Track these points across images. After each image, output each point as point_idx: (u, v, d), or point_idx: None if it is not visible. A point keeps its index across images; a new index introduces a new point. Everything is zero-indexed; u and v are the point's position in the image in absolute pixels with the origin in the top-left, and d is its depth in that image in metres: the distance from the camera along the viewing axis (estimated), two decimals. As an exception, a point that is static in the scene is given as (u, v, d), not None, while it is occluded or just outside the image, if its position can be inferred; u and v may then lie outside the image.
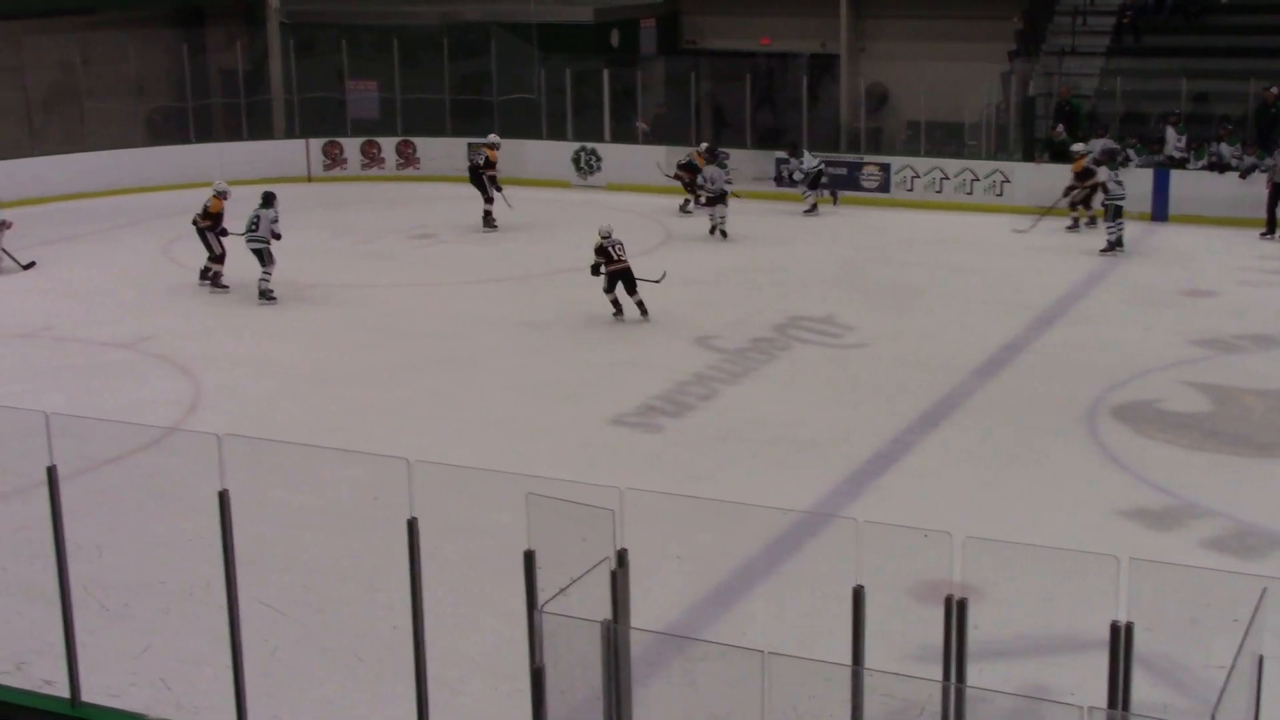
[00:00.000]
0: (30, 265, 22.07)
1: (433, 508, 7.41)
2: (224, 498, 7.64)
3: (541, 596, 6.59)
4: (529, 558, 6.67)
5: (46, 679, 9.01)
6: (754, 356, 17.43)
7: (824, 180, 26.32)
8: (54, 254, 23.25)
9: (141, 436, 13.28)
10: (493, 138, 25.95)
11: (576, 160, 28.86)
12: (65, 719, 8.35)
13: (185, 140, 29.58)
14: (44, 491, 8.14)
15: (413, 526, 7.22)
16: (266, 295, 20.12)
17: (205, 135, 30.42)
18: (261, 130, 31.12)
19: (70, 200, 26.72)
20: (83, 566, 9.16)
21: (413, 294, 20.78)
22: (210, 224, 20.71)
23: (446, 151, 29.58)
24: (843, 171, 26.97)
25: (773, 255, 23.12)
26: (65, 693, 8.42)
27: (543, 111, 29.72)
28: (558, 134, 29.47)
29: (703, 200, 24.66)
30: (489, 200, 24.78)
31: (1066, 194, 23.96)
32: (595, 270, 18.97)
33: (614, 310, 18.92)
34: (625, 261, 18.89)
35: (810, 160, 26.27)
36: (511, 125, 29.48)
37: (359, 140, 30.14)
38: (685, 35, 33.57)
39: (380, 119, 31.00)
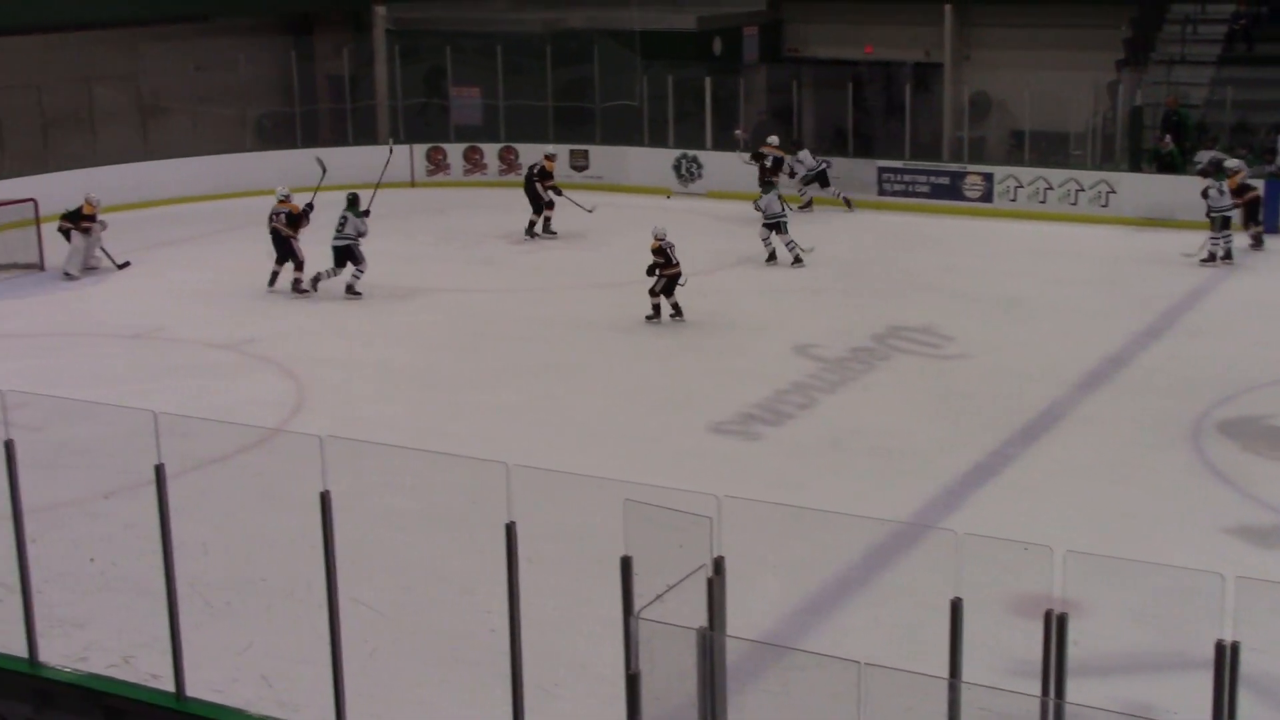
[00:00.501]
0: (125, 265, 22.51)
1: (531, 512, 7.46)
2: (325, 499, 7.73)
3: (638, 602, 6.60)
4: (626, 564, 6.68)
5: (153, 673, 9.16)
6: (853, 366, 17.34)
7: (831, 182, 26.78)
8: (165, 257, 23.71)
9: (246, 437, 13.47)
10: (550, 149, 26.44)
11: (678, 167, 28.88)
12: (171, 713, 8.49)
13: (292, 145, 29.96)
14: (152, 489, 8.29)
15: (511, 530, 7.27)
16: (352, 291, 20.63)
17: (311, 140, 30.81)
18: (366, 136, 31.44)
19: (181, 203, 27.19)
20: (188, 564, 9.31)
21: (514, 299, 20.90)
22: (294, 232, 21.08)
23: (548, 158, 29.73)
24: (945, 181, 26.77)
25: (872, 264, 22.99)
26: (171, 687, 8.56)
27: (644, 119, 29.78)
28: (659, 141, 29.51)
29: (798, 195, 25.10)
30: (539, 211, 24.97)
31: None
32: (653, 270, 19.02)
33: (653, 313, 19.01)
34: (679, 265, 19.01)
35: (811, 160, 26.66)
36: (613, 132, 29.57)
37: (462, 146, 30.37)
38: (788, 43, 33.48)
39: (483, 125, 31.22)
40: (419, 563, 11.73)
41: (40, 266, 22.51)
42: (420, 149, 30.30)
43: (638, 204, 26.93)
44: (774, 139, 26.82)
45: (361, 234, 20.77)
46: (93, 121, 28.28)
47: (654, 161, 28.97)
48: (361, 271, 20.69)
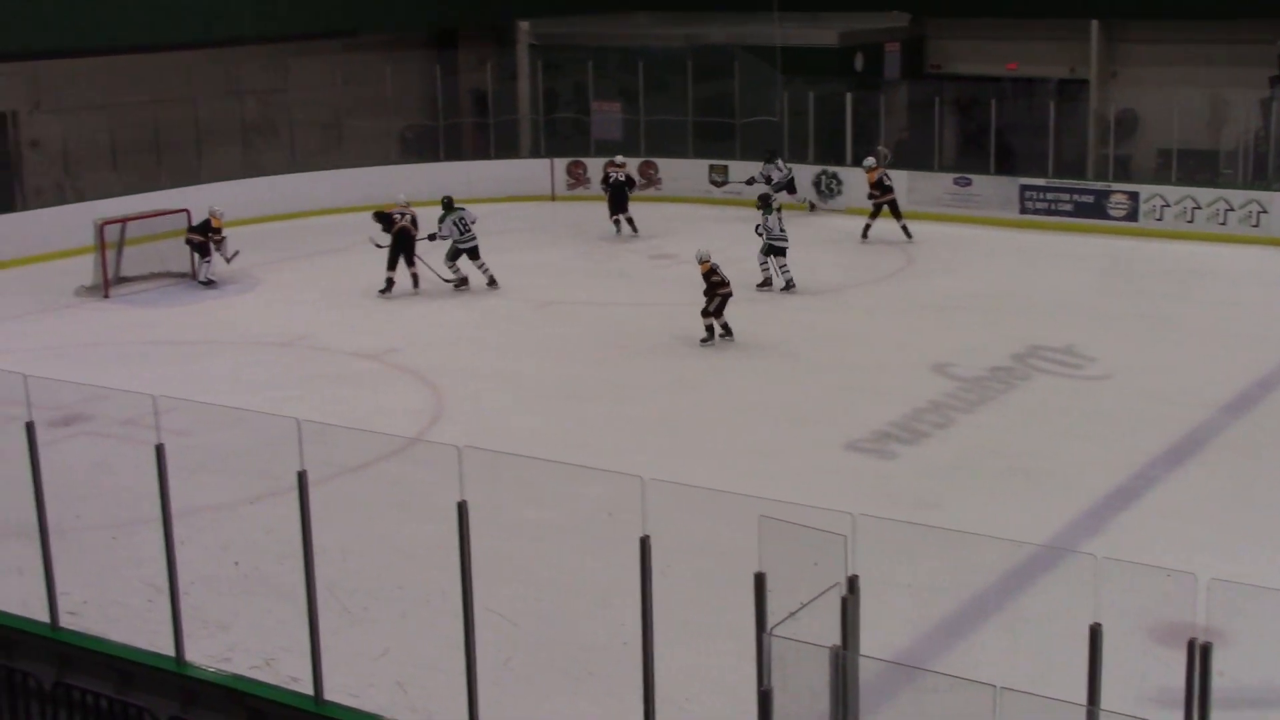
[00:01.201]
0: (234, 255, 23.21)
1: (665, 526, 7.48)
2: (462, 508, 7.82)
3: (771, 619, 6.59)
4: (759, 580, 6.68)
5: (293, 676, 9.34)
6: (991, 385, 17.13)
7: (797, 189, 27.55)
8: (310, 267, 24.20)
9: (386, 446, 13.69)
10: (619, 158, 27.27)
11: (817, 183, 28.78)
12: (309, 716, 8.64)
13: (435, 158, 30.40)
14: (294, 495, 8.46)
15: (645, 544, 7.29)
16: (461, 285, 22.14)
17: (454, 154, 31.26)
18: (508, 149, 31.82)
19: (326, 215, 27.71)
20: (328, 569, 9.47)
21: (651, 313, 20.96)
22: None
23: (688, 172, 29.85)
24: (1089, 199, 26.36)
25: (1013, 282, 22.70)
26: (310, 690, 8.72)
27: (784, 134, 29.72)
28: (799, 157, 29.43)
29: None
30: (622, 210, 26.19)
31: None
32: (712, 292, 19.00)
33: (707, 335, 18.89)
34: (730, 284, 19.04)
35: (780, 171, 27.14)
36: (753, 147, 29.55)
37: (602, 160, 30.56)
38: (930, 59, 33.23)
39: (623, 140, 31.40)
40: (553, 574, 11.81)
41: (192, 275, 23.08)
42: (560, 163, 30.56)
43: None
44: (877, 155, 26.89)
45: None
46: (243, 134, 28.96)
47: (795, 177, 28.87)
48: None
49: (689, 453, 14.82)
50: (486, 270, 22.31)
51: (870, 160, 26.13)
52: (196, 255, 22.90)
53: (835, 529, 6.41)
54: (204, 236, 22.76)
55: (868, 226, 25.52)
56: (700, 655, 10.07)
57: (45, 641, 9.62)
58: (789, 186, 27.43)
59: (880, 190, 25.52)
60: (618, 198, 26.25)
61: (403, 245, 22.14)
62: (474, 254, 22.28)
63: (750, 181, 27.21)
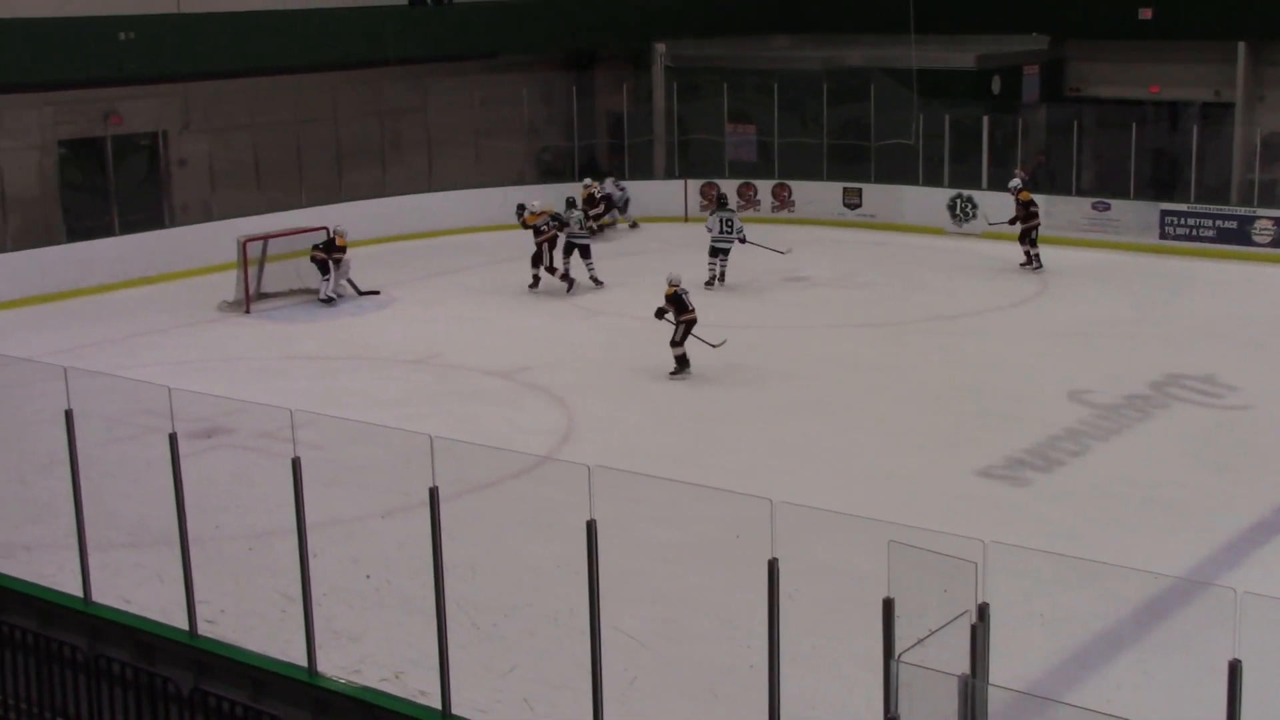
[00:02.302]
0: (373, 292, 23.67)
1: (793, 549, 7.46)
2: (591, 527, 7.87)
3: (899, 645, 6.54)
4: (888, 605, 6.64)
5: (421, 689, 9.45)
6: (1128, 413, 16.83)
7: (627, 208, 28.28)
8: (445, 285, 24.50)
9: (516, 463, 13.81)
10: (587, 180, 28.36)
11: (952, 207, 28.53)
12: (436, 730, 8.74)
13: (571, 179, 30.63)
14: (426, 511, 8.57)
15: (773, 567, 7.28)
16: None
17: (589, 174, 31.45)
18: (643, 170, 31.95)
19: (462, 234, 28.05)
20: (457, 585, 9.57)
21: (783, 335, 20.91)
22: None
23: (821, 195, 29.75)
24: (1233, 225, 25.81)
25: (1152, 309, 22.30)
26: (438, 704, 8.82)
27: (920, 157, 29.51)
28: (934, 180, 29.20)
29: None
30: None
31: None
32: (661, 315, 18.72)
33: (679, 368, 18.50)
34: (694, 311, 18.69)
35: (615, 189, 28.10)
36: (887, 170, 29.39)
37: (736, 182, 30.60)
38: (1069, 83, 32.76)
39: (758, 162, 31.40)
40: (681, 594, 11.82)
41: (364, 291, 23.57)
42: (694, 184, 30.64)
43: (911, 243, 26.73)
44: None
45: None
46: (383, 154, 29.44)
47: (929, 201, 28.69)
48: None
49: (819, 476, 14.75)
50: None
51: (1016, 181, 25.81)
52: (319, 272, 23.32)
53: (966, 556, 6.35)
54: (326, 254, 23.17)
55: (1036, 255, 25.12)
56: (826, 680, 10.01)
57: (184, 648, 9.85)
58: (623, 206, 28.29)
59: (1027, 214, 25.10)
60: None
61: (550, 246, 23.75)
62: (586, 252, 23.94)
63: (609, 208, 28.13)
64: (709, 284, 23.57)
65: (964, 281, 24.27)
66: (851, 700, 9.63)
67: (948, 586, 6.50)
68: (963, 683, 6.35)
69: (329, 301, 23.09)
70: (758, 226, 29.43)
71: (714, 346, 18.62)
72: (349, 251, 23.60)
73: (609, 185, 28.78)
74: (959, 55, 31.35)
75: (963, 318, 21.72)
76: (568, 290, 23.53)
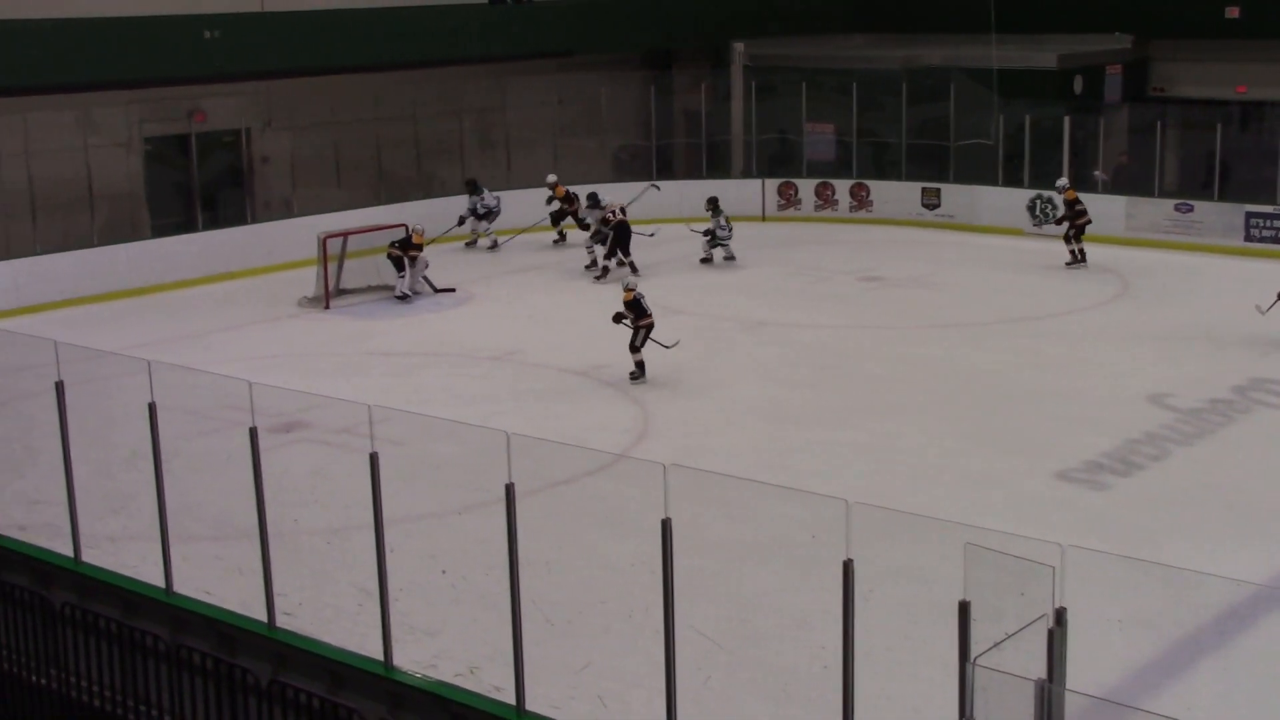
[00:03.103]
0: (448, 289, 23.80)
1: (869, 550, 7.44)
2: (666, 525, 7.88)
3: (975, 648, 6.51)
4: (964, 608, 6.60)
5: (496, 685, 9.50)
6: (1211, 418, 16.62)
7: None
8: (524, 283, 24.62)
9: (593, 461, 13.84)
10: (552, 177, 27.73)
11: (1032, 208, 28.28)
12: (510, 725, 8.80)
13: (647, 177, 30.66)
14: (502, 507, 8.62)
15: (848, 568, 7.27)
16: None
17: (666, 173, 31.49)
18: (720, 169, 31.93)
19: (540, 232, 28.13)
20: (533, 581, 9.62)
21: (860, 336, 20.84)
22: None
23: (900, 195, 29.59)
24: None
25: (1235, 312, 21.97)
26: (512, 700, 8.87)
27: (999, 158, 29.29)
28: (1014, 181, 28.96)
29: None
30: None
31: None
32: (619, 320, 18.59)
33: (637, 371, 18.37)
34: (652, 316, 18.61)
35: (489, 200, 27.23)
36: (966, 171, 29.20)
37: (814, 182, 30.51)
38: (1153, 82, 32.41)
39: (835, 161, 31.30)
40: (755, 594, 11.81)
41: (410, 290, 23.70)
42: (772, 184, 30.59)
43: (989, 244, 26.55)
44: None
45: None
46: (462, 151, 29.61)
47: (1007, 201, 28.45)
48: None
49: (895, 477, 14.68)
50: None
51: (1064, 181, 25.62)
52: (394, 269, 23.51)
53: (1043, 560, 6.31)
54: (402, 252, 23.34)
55: (1081, 251, 24.98)
56: (901, 682, 9.97)
57: (263, 640, 9.97)
58: (489, 216, 27.40)
59: (1074, 213, 24.91)
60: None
61: (622, 239, 24.27)
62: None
63: (461, 221, 27.34)
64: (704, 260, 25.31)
65: (1043, 283, 24.06)
66: (926, 703, 9.59)
67: (1024, 590, 6.45)
68: (1039, 687, 6.31)
69: (405, 298, 23.26)
70: (834, 226, 29.47)
71: (667, 348, 18.57)
72: (425, 249, 23.75)
73: (487, 197, 27.58)
74: (1040, 55, 31.10)
75: (1042, 319, 21.53)
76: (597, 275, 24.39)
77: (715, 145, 32.21)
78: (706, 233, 25.55)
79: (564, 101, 31.02)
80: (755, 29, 33.77)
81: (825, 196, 30.40)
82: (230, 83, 27.01)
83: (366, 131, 28.01)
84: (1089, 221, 24.95)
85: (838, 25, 35.94)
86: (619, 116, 32.27)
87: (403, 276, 23.36)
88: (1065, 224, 25.04)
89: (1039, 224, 28.10)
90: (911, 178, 29.84)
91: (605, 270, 24.16)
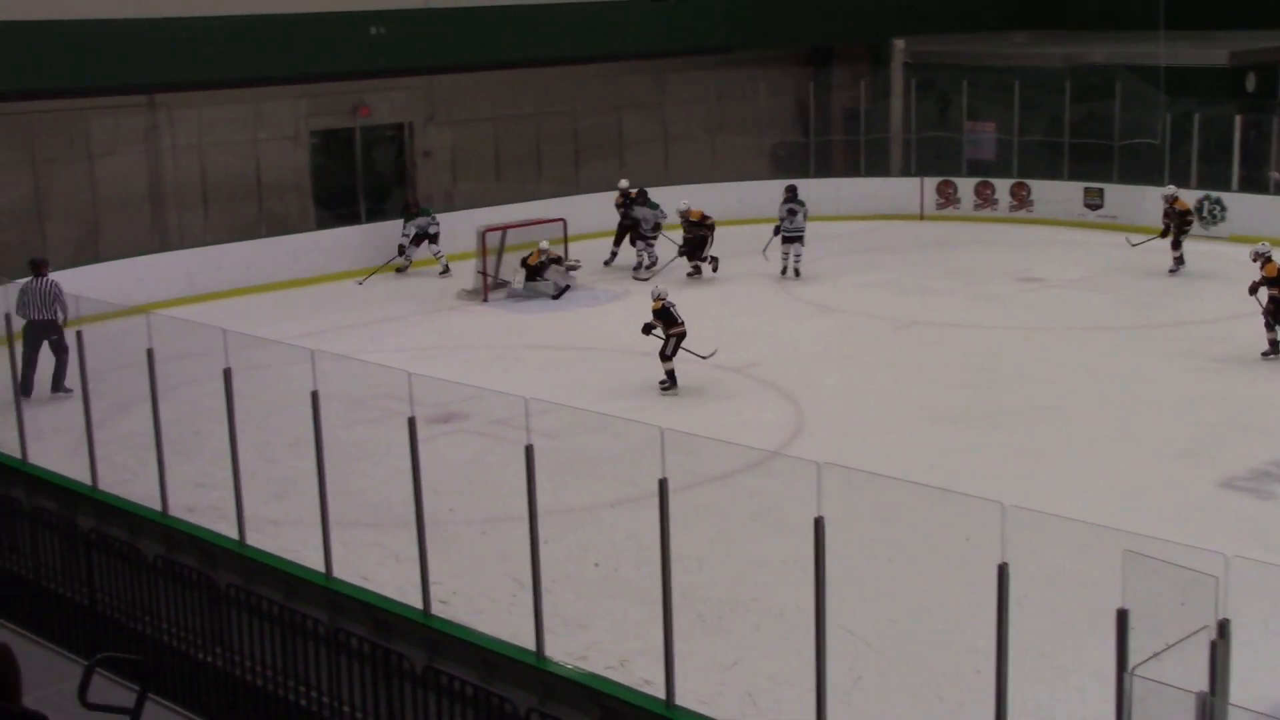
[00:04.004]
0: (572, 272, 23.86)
1: (1024, 554, 7.35)
2: (819, 524, 7.87)
3: (1133, 658, 6.40)
4: (1122, 616, 6.50)
5: (646, 678, 9.56)
6: (1386, 428, 16.11)
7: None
8: (681, 278, 24.64)
9: (746, 458, 13.84)
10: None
11: (1199, 208, 27.62)
12: (660, 719, 8.84)
13: (805, 174, 30.57)
14: (655, 502, 8.67)
15: (1003, 572, 7.19)
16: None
17: (824, 170, 31.37)
18: (878, 168, 31.70)
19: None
20: (684, 576, 9.67)
21: (1018, 337, 20.55)
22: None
23: (1061, 195, 29.11)
24: None
25: None
26: (661, 694, 8.92)
27: (1165, 157, 28.65)
28: (1181, 181, 28.28)
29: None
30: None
31: None
32: (648, 330, 18.17)
33: (668, 381, 17.84)
34: (684, 324, 18.06)
35: (424, 219, 25.27)
36: (1131, 170, 28.62)
37: (973, 180, 30.14)
38: (1336, 79, 31.48)
39: (995, 160, 30.89)
40: (908, 595, 11.73)
41: (566, 285, 23.87)
42: (931, 182, 30.29)
43: (1155, 245, 25.93)
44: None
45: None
46: (620, 147, 29.77)
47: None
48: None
49: (1052, 481, 14.44)
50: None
51: (1173, 189, 24.87)
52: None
53: (1206, 569, 6.18)
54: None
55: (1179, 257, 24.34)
56: (1055, 689, 9.82)
57: (418, 627, 10.15)
58: (436, 239, 25.23)
59: (1182, 222, 24.21)
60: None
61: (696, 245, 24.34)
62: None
63: (401, 250, 25.19)
64: (784, 273, 24.17)
65: (1210, 286, 23.50)
66: (1082, 711, 9.43)
67: (1185, 600, 6.33)
68: (1201, 700, 6.18)
69: (559, 294, 23.41)
70: (993, 226, 29.06)
71: (704, 358, 18.26)
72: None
73: (419, 223, 25.44)
74: (1211, 52, 30.37)
75: (1208, 323, 21.04)
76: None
77: (873, 143, 31.98)
78: (777, 230, 24.51)
79: (721, 98, 31.04)
80: (916, 26, 33.49)
81: (985, 196, 30.02)
82: (394, 78, 27.51)
83: (526, 126, 28.32)
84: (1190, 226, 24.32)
85: (999, 22, 35.48)
86: (777, 113, 32.20)
87: (560, 269, 23.52)
88: (1173, 233, 24.24)
89: (1207, 225, 27.43)
90: (1074, 177, 29.33)
91: (697, 269, 24.51)
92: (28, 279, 17.85)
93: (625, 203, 25.85)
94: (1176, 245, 24.32)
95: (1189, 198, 27.56)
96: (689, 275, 24.37)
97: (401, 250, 25.37)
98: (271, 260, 24.08)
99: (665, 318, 18.23)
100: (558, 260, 23.73)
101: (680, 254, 24.62)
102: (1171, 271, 24.25)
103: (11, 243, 21.99)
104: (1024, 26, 35.49)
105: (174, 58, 24.10)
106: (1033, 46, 33.76)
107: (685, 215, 24.70)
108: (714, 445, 13.11)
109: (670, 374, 17.98)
